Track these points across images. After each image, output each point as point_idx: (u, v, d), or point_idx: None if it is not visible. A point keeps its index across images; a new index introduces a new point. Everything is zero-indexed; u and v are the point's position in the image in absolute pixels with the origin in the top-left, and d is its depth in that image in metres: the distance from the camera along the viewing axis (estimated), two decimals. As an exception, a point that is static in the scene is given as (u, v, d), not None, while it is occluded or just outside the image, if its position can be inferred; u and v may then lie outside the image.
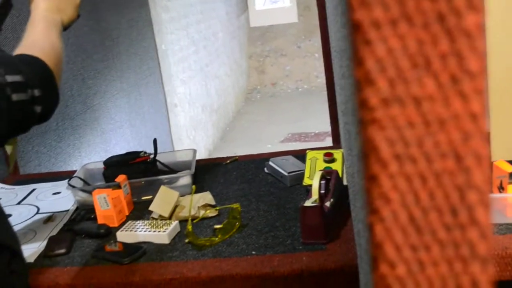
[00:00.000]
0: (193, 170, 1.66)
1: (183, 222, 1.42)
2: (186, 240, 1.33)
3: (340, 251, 1.22)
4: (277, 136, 6.14)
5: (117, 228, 1.44)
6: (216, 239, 1.32)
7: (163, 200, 1.47)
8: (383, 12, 0.29)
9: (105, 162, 1.74)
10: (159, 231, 1.36)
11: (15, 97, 1.01)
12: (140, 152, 1.73)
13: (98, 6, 3.17)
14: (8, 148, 1.29)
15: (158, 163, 1.74)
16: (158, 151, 1.76)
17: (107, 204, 1.47)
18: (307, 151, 1.64)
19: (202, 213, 1.45)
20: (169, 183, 1.63)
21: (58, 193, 1.79)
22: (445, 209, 0.31)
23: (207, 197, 1.52)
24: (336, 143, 1.95)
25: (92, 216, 1.52)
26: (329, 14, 1.34)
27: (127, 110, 3.61)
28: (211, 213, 1.46)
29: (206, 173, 1.79)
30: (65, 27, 1.27)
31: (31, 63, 1.08)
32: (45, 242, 1.41)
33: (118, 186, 1.53)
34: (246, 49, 8.51)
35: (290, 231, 1.33)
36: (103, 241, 1.40)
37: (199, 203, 1.48)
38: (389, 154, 0.30)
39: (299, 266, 1.18)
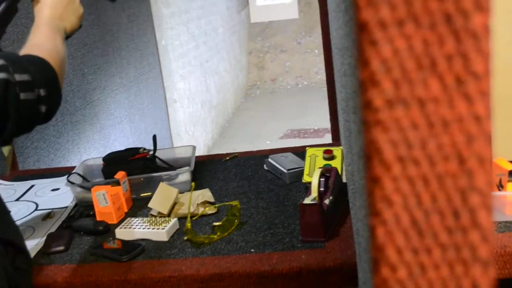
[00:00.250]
0: (192, 166, 1.65)
1: (182, 219, 1.42)
2: (185, 238, 1.33)
3: (339, 249, 1.22)
4: (276, 132, 6.14)
5: (116, 225, 1.43)
6: (215, 236, 1.32)
7: (162, 197, 1.47)
8: (390, 12, 0.28)
9: (104, 159, 1.74)
10: (157, 228, 1.36)
11: (23, 96, 1.02)
12: (140, 148, 1.72)
13: (98, 0, 3.16)
14: (5, 150, 1.29)
15: (157, 159, 1.74)
16: (158, 147, 1.75)
17: (106, 201, 1.47)
18: (307, 148, 1.64)
19: (201, 210, 1.45)
20: (169, 179, 1.63)
21: (57, 189, 1.78)
22: (447, 211, 0.31)
23: (206, 194, 1.52)
24: (336, 140, 1.95)
25: (91, 213, 1.51)
26: (331, 11, 1.33)
27: (126, 105, 3.61)
28: (210, 210, 1.46)
29: (206, 169, 1.79)
30: (67, 36, 1.29)
31: (37, 63, 1.09)
32: (43, 239, 1.41)
33: (117, 183, 1.53)
34: (246, 45, 8.50)
35: (289, 229, 1.33)
36: (101, 238, 1.39)
37: (198, 200, 1.47)
38: (392, 156, 0.30)
39: (298, 264, 1.18)
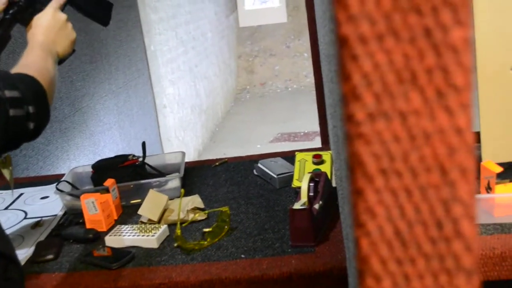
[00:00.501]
0: (182, 173, 1.65)
1: (172, 226, 1.42)
2: (175, 244, 1.33)
3: (329, 254, 1.22)
4: (266, 136, 6.14)
5: (106, 233, 1.43)
6: (205, 242, 1.32)
7: (152, 204, 1.47)
8: (370, 27, 0.29)
9: (94, 166, 1.74)
10: (147, 235, 1.35)
11: (12, 112, 1.02)
12: (129, 155, 1.72)
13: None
14: (6, 173, 1.29)
15: (147, 166, 1.74)
16: (147, 152, 1.75)
17: (96, 208, 1.47)
18: (296, 152, 1.64)
19: (191, 216, 1.45)
20: (158, 186, 1.62)
21: (46, 197, 1.77)
22: (430, 222, 0.31)
23: (196, 200, 1.52)
24: (325, 144, 1.95)
25: (81, 221, 1.51)
26: (318, 17, 1.34)
27: (116, 112, 3.60)
28: (200, 216, 1.46)
29: (195, 175, 1.79)
30: (60, 60, 1.31)
31: (26, 81, 1.10)
32: (33, 248, 1.41)
33: (107, 190, 1.52)
34: (235, 49, 8.50)
35: (279, 234, 1.33)
36: (91, 246, 1.39)
37: (188, 206, 1.47)
38: (375, 168, 0.30)
39: (288, 269, 1.18)
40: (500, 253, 1.08)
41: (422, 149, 0.30)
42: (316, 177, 1.36)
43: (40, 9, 1.29)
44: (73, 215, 1.58)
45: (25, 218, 1.63)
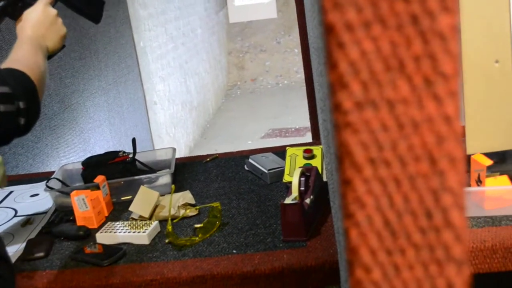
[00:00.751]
0: (172, 169, 1.65)
1: (163, 222, 1.41)
2: (166, 240, 1.32)
3: (321, 248, 1.22)
4: (257, 132, 6.14)
5: (97, 230, 1.42)
6: (197, 238, 1.31)
7: (143, 200, 1.46)
8: (356, 14, 0.28)
9: (84, 163, 1.73)
10: (139, 232, 1.35)
11: (2, 108, 1.03)
12: (119, 152, 1.71)
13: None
14: None
15: (137, 162, 1.73)
16: (138, 149, 1.74)
17: (86, 205, 1.46)
18: (287, 147, 1.64)
19: (182, 212, 1.44)
20: (149, 182, 1.62)
21: (36, 195, 1.76)
22: (420, 212, 0.31)
23: (187, 196, 1.52)
24: (316, 139, 1.95)
25: (71, 218, 1.50)
26: (307, 11, 1.34)
27: (106, 108, 3.58)
28: (191, 212, 1.45)
29: (186, 171, 1.78)
30: (50, 55, 1.31)
31: (17, 76, 1.10)
32: (23, 246, 1.40)
33: (97, 187, 1.51)
34: (226, 45, 8.48)
35: (270, 229, 1.33)
36: (82, 243, 1.38)
37: (179, 202, 1.47)
38: (363, 158, 0.30)
39: (280, 264, 1.18)
40: (490, 245, 1.08)
41: (411, 138, 0.29)
42: (307, 172, 1.36)
43: (30, 4, 1.29)
44: (63, 213, 1.57)
45: (15, 216, 1.62)
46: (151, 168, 1.73)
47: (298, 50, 8.11)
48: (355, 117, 0.29)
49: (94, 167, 1.69)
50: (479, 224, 1.14)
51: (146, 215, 1.44)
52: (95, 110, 3.40)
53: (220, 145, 5.74)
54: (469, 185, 1.23)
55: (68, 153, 2.95)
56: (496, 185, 1.20)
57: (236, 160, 1.82)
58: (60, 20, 1.33)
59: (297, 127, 6.07)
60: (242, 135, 6.12)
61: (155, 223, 1.38)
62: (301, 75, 7.86)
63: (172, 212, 1.43)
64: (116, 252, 1.29)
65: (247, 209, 1.46)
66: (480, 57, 1.21)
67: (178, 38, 5.66)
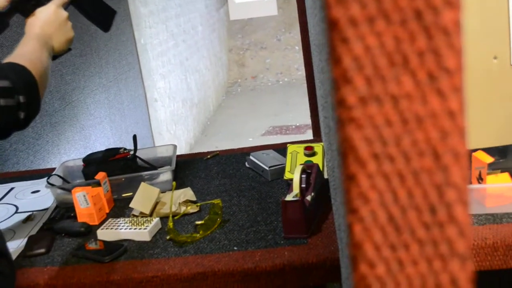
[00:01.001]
0: (173, 166, 1.65)
1: (164, 218, 1.41)
2: (167, 237, 1.32)
3: (322, 245, 1.22)
4: (258, 129, 6.14)
5: (98, 226, 1.43)
6: (198, 235, 1.31)
7: (143, 197, 1.46)
8: (360, 10, 0.28)
9: (85, 159, 1.73)
10: (140, 229, 1.35)
11: (2, 102, 1.03)
12: (120, 148, 1.71)
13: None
14: None
15: (138, 159, 1.73)
16: (139, 146, 1.74)
17: (87, 202, 1.46)
18: (288, 145, 1.64)
19: (183, 209, 1.44)
20: (150, 179, 1.62)
21: (37, 191, 1.76)
22: (424, 207, 0.31)
23: (188, 193, 1.52)
24: (317, 136, 1.95)
25: (72, 215, 1.50)
26: (308, 8, 1.34)
27: (106, 105, 3.58)
28: (192, 209, 1.45)
29: (187, 168, 1.78)
30: (55, 56, 1.33)
31: (17, 70, 1.11)
32: (24, 242, 1.40)
33: (98, 184, 1.52)
34: (226, 42, 8.48)
35: (271, 226, 1.33)
36: (83, 240, 1.38)
37: (180, 199, 1.47)
38: (367, 153, 0.30)
39: (281, 260, 1.18)
40: (492, 243, 1.08)
41: (415, 133, 0.29)
42: (308, 169, 1.36)
43: (43, 3, 1.31)
44: (64, 209, 1.57)
45: (16, 212, 1.62)
46: (152, 165, 1.73)
47: (298, 48, 8.11)
48: (359, 113, 0.29)
49: (95, 163, 1.69)
50: (480, 221, 1.14)
51: (147, 211, 1.44)
52: (95, 107, 3.40)
53: (220, 142, 5.74)
54: (470, 183, 1.23)
55: (69, 150, 2.95)
56: (497, 182, 1.20)
57: (237, 157, 1.82)
58: (69, 23, 1.36)
59: (298, 124, 6.07)
60: (243, 132, 6.12)
61: (156, 219, 1.38)
62: (301, 73, 7.87)
63: (173, 209, 1.43)
64: (117, 248, 1.29)
65: (248, 206, 1.46)
66: (478, 53, 1.21)
67: (178, 35, 5.66)
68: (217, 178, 1.68)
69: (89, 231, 1.42)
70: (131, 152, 1.72)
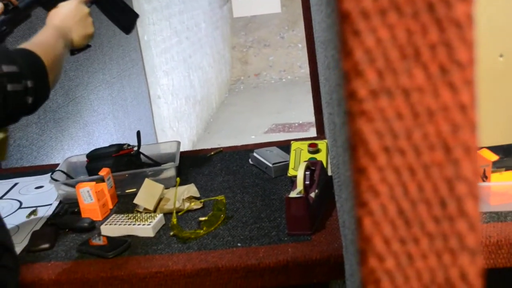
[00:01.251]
0: (177, 162, 1.65)
1: (167, 214, 1.41)
2: (171, 233, 1.32)
3: (326, 242, 1.22)
4: (261, 127, 6.14)
5: (101, 222, 1.43)
6: (201, 231, 1.31)
7: (147, 193, 1.46)
8: (372, 2, 0.28)
9: (88, 155, 1.73)
10: (143, 224, 1.35)
11: (10, 87, 1.03)
12: (124, 144, 1.71)
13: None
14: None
15: (142, 155, 1.73)
16: (142, 143, 1.74)
17: (91, 197, 1.46)
18: (292, 142, 1.64)
19: (186, 205, 1.44)
20: (153, 175, 1.62)
21: (41, 187, 1.77)
22: (434, 201, 0.31)
23: (191, 189, 1.52)
24: (320, 134, 1.95)
25: (76, 210, 1.50)
26: (313, 4, 1.33)
27: (110, 102, 3.58)
28: (196, 205, 1.45)
29: (191, 165, 1.78)
30: (73, 50, 1.34)
31: (25, 55, 1.11)
32: (28, 237, 1.40)
33: (102, 179, 1.52)
34: (229, 39, 8.47)
35: (275, 222, 1.33)
36: (87, 235, 1.38)
37: (184, 195, 1.47)
38: (378, 146, 0.30)
39: (284, 257, 1.18)
40: (496, 241, 1.08)
41: (426, 126, 0.29)
42: (312, 166, 1.35)
43: None
44: (68, 205, 1.57)
45: (20, 207, 1.63)
46: (156, 161, 1.73)
47: (302, 45, 8.11)
48: (370, 105, 0.29)
49: (98, 159, 1.69)
50: (484, 219, 1.14)
51: (151, 207, 1.44)
52: (99, 104, 3.40)
53: (223, 139, 5.74)
54: (475, 180, 1.23)
55: (72, 146, 2.95)
56: (502, 180, 1.20)
57: (240, 154, 1.82)
58: (90, 19, 1.38)
59: (301, 122, 6.07)
60: (246, 130, 6.11)
61: (159, 215, 1.38)
62: (304, 70, 7.86)
63: (177, 205, 1.43)
64: (120, 244, 1.29)
65: (252, 202, 1.46)
66: (484, 51, 1.21)
67: (182, 32, 5.66)
68: (220, 174, 1.68)
69: (93, 226, 1.42)
70: (135, 148, 1.72)
